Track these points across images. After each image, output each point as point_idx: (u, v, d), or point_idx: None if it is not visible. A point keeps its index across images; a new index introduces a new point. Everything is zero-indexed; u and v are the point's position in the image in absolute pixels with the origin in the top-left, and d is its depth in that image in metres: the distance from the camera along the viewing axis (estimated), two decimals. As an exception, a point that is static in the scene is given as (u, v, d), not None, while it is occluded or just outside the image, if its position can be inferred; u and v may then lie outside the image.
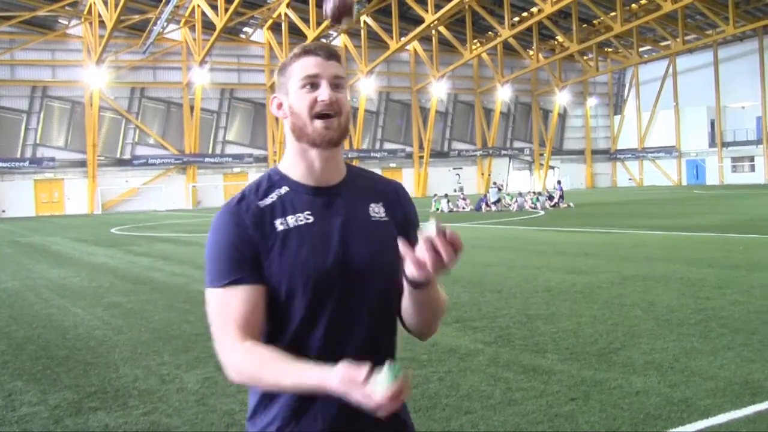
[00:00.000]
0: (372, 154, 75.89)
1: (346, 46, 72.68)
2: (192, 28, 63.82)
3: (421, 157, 77.17)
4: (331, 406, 2.00)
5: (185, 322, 10.12)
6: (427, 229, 1.89)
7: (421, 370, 7.22)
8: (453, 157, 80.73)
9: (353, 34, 71.67)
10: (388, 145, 77.91)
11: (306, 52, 2.14)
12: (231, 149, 71.69)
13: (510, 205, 42.69)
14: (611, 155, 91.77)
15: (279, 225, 2.07)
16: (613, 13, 63.68)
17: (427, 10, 56.42)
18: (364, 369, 1.75)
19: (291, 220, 2.09)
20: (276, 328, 2.08)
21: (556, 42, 78.10)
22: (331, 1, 1.80)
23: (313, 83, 2.10)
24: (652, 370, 6.88)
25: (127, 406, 6.45)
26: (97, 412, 6.33)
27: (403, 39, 63.12)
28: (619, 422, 5.57)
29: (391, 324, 2.20)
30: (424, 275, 1.91)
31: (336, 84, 2.12)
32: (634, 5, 67.94)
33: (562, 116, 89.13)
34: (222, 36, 60.31)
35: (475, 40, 71.84)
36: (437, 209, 41.56)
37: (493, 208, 41.35)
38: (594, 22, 72.07)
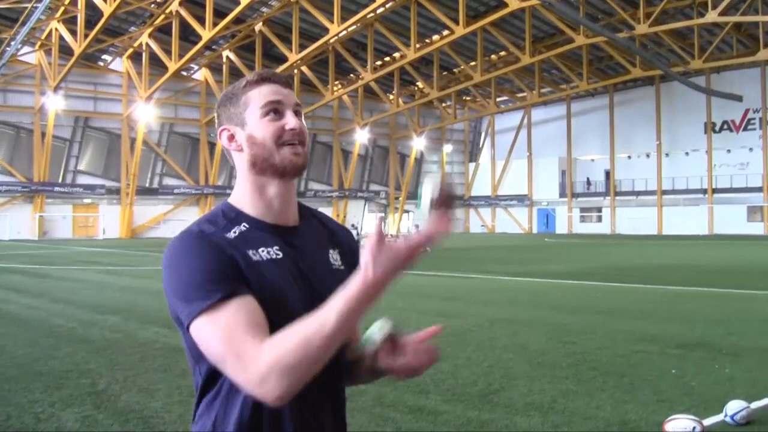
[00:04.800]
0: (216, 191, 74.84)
1: (207, 80, 72.05)
2: (48, 52, 61.97)
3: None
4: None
5: (52, 358, 9.66)
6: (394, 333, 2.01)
7: (306, 409, 7.13)
8: (309, 197, 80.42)
9: (215, 69, 71.18)
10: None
11: (263, 79, 2.05)
12: (83, 179, 69.53)
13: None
14: (465, 201, 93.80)
15: (252, 255, 1.91)
16: (473, 63, 65.52)
17: (291, 50, 56.58)
18: (381, 237, 1.69)
19: (263, 252, 1.94)
20: None
21: (416, 88, 79.58)
22: (438, 197, 1.79)
23: (276, 110, 2.01)
24: (534, 411, 7.02)
25: (3, 445, 6.12)
26: (-29, 450, 5.98)
27: (265, 76, 62.95)
28: (511, 462, 5.67)
29: (342, 369, 2.11)
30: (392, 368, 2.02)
31: (296, 111, 2.04)
32: (493, 56, 70.09)
33: (419, 161, 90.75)
34: (79, 62, 58.73)
35: (337, 82, 72.48)
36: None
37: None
38: (454, 70, 73.92)
